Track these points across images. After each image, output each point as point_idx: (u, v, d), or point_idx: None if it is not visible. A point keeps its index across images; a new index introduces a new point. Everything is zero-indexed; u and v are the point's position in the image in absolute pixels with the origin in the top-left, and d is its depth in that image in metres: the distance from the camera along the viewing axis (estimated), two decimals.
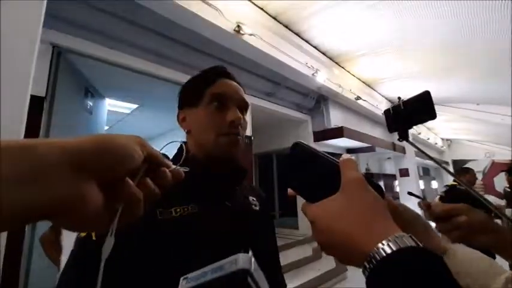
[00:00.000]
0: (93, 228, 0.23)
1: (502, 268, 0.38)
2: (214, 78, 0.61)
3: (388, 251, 0.23)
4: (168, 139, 0.40)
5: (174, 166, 0.29)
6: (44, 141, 0.19)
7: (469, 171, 3.15)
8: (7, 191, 0.16)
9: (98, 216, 0.21)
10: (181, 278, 0.32)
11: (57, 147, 0.18)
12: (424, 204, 0.54)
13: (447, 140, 11.39)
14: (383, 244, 0.24)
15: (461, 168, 3.32)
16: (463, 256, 0.41)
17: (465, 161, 10.42)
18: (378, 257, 0.24)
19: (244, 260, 0.30)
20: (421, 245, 0.24)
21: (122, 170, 0.22)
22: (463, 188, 2.97)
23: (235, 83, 0.63)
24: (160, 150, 0.31)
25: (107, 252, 0.24)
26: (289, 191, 0.35)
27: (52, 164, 0.18)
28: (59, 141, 0.19)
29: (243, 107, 0.62)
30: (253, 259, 0.31)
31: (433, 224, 0.50)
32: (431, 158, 0.59)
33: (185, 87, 0.65)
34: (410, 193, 0.71)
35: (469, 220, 0.50)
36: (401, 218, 0.44)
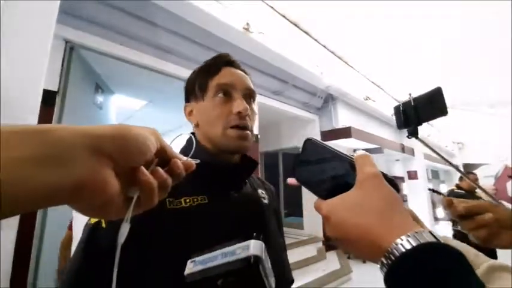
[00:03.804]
0: (109, 214, 0.23)
1: (486, 258, 0.39)
2: (217, 67, 0.60)
3: (408, 246, 0.23)
4: (176, 135, 0.40)
5: (185, 158, 0.30)
6: (67, 126, 0.19)
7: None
8: (30, 172, 0.16)
9: (114, 201, 0.22)
10: (189, 261, 0.32)
11: (79, 132, 0.19)
12: (447, 200, 0.51)
13: (458, 143, 11.12)
14: (402, 240, 0.23)
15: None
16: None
17: (477, 165, 10.15)
18: (396, 253, 0.23)
19: (256, 246, 0.30)
20: (441, 240, 0.23)
21: (139, 158, 0.23)
22: (462, 192, 2.99)
23: (239, 71, 0.61)
24: (170, 143, 0.32)
25: (123, 237, 0.25)
26: (290, 180, 0.35)
27: (74, 147, 0.19)
28: (80, 127, 0.20)
29: (250, 95, 0.60)
30: (264, 246, 0.31)
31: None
32: (440, 156, 0.58)
33: (189, 80, 0.64)
34: (431, 189, 0.70)
35: (496, 217, 0.47)
36: None
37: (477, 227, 0.48)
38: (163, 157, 0.27)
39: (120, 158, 0.21)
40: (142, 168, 0.24)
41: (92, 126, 0.21)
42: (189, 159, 0.30)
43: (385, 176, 0.29)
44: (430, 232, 0.24)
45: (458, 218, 0.51)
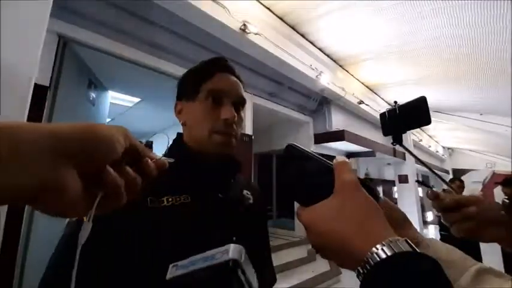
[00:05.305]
0: (71, 214, 0.23)
1: (474, 261, 0.39)
2: (212, 72, 0.60)
3: (383, 255, 0.23)
4: (169, 133, 0.40)
5: (158, 156, 0.29)
6: (30, 124, 0.19)
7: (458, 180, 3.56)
8: None
9: (76, 202, 0.21)
10: (171, 265, 0.32)
11: (41, 131, 0.19)
12: (432, 193, 0.51)
13: (448, 148, 11.35)
14: (377, 248, 0.23)
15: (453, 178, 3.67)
16: (436, 247, 0.41)
17: (466, 171, 10.36)
18: (371, 262, 0.23)
19: (235, 250, 0.30)
20: (417, 249, 0.24)
21: (103, 159, 0.22)
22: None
23: (233, 78, 0.62)
24: (145, 142, 0.32)
25: (84, 237, 0.25)
26: None
27: (36, 147, 0.18)
28: (44, 126, 0.19)
29: (240, 103, 0.61)
30: (243, 250, 0.31)
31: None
32: (422, 163, 0.60)
33: (183, 79, 0.65)
34: (418, 181, 0.70)
35: (480, 211, 0.48)
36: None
37: (463, 219, 0.48)
38: (134, 156, 0.26)
39: (85, 158, 0.21)
40: (108, 167, 0.23)
41: (58, 126, 0.20)
42: (163, 158, 0.30)
43: (363, 183, 0.29)
44: (406, 240, 0.24)
45: (442, 211, 0.51)
